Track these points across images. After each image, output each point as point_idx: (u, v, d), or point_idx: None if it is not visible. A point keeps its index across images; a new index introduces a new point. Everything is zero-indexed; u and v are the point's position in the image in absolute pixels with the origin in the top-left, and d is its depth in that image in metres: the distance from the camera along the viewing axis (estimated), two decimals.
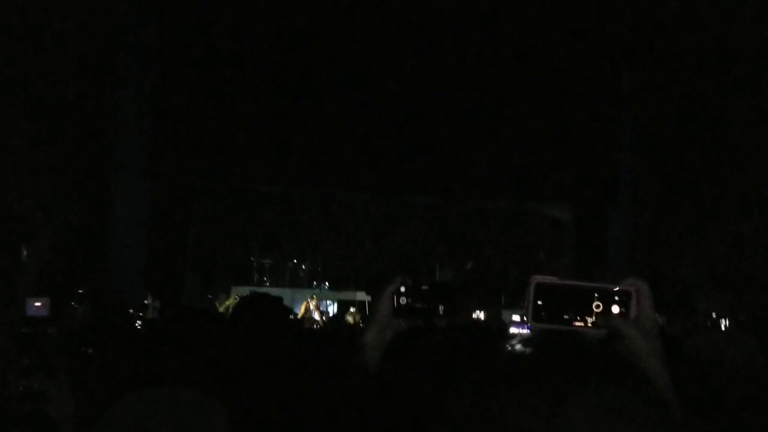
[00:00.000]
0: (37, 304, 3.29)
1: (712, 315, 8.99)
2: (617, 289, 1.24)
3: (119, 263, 9.55)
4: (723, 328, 8.48)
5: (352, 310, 11.76)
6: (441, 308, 1.83)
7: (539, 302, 1.26)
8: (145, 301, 7.65)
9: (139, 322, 7.35)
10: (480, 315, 11.51)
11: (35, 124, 7.37)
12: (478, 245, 13.00)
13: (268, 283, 12.92)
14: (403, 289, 1.80)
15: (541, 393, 0.70)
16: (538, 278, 1.27)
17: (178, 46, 10.91)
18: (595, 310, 1.24)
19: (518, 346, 0.81)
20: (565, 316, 1.25)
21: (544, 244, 12.98)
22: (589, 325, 1.24)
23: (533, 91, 11.49)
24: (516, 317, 10.95)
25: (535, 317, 1.26)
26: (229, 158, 11.08)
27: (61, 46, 8.10)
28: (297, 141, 11.22)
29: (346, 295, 12.38)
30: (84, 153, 8.86)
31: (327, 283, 13.10)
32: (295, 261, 13.30)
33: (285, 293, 12.07)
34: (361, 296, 12.33)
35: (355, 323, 10.86)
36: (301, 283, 13.26)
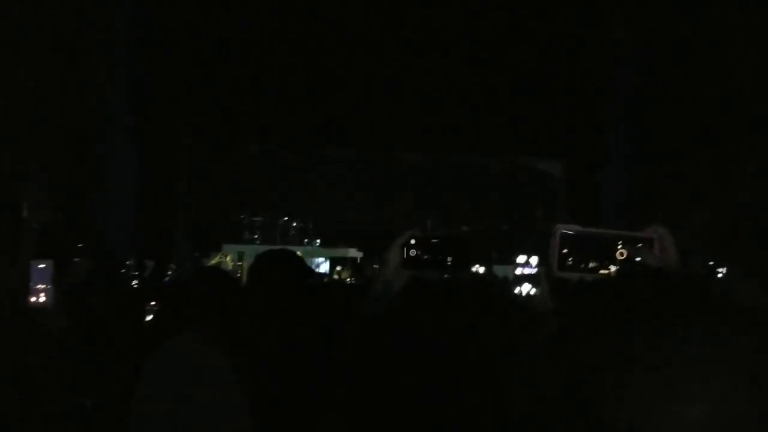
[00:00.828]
0: (41, 266, 3.21)
1: (709, 263, 9.06)
2: (640, 235, 1.25)
3: (109, 222, 9.45)
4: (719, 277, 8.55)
5: (338, 268, 11.79)
6: (449, 260, 1.83)
7: (564, 251, 1.26)
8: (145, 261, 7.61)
9: (135, 282, 7.32)
10: (479, 269, 11.57)
11: (24, 86, 7.20)
12: (470, 201, 12.98)
13: (258, 241, 12.89)
14: (413, 241, 1.80)
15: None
16: (562, 227, 1.27)
17: (163, 4, 10.69)
18: (618, 257, 1.24)
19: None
20: (591, 265, 1.25)
21: (537, 200, 12.98)
22: (614, 272, 1.24)
23: (522, 44, 11.36)
24: (521, 258, 11.05)
25: (560, 266, 1.27)
26: (218, 116, 10.93)
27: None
28: (286, 98, 11.07)
29: (338, 252, 12.38)
30: (72, 114, 8.69)
31: (318, 241, 13.09)
32: (285, 219, 13.26)
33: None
34: (353, 253, 12.34)
35: (342, 280, 10.90)
36: (292, 240, 13.24)
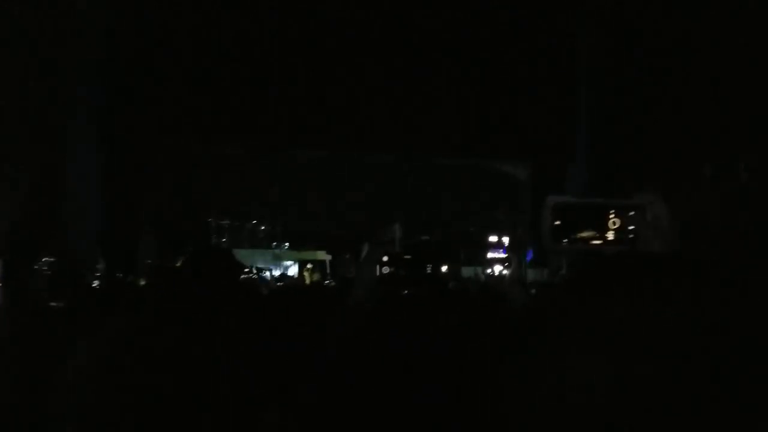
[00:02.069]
0: None
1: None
2: (632, 203, 1.24)
3: (75, 226, 9.36)
4: None
5: (309, 266, 11.78)
6: (420, 273, 1.91)
7: (556, 223, 1.23)
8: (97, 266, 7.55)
9: (96, 282, 7.25)
10: (443, 269, 11.66)
11: None
12: (437, 203, 13.08)
13: (226, 244, 12.82)
14: (385, 258, 1.86)
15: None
16: (554, 199, 1.24)
17: (130, 12, 10.62)
18: (611, 227, 1.23)
19: None
20: (584, 235, 1.23)
21: (502, 202, 13.13)
22: (610, 239, 1.22)
23: (486, 49, 11.50)
24: (493, 238, 11.11)
25: (554, 238, 1.24)
26: (185, 120, 10.88)
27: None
28: (254, 101, 11.06)
29: (307, 255, 12.38)
30: (36, 119, 8.60)
31: (287, 243, 13.07)
32: (254, 222, 13.22)
33: (244, 253, 12.01)
34: (322, 255, 12.34)
35: (313, 282, 10.90)
36: (261, 243, 13.20)
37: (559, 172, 12.23)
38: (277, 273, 11.98)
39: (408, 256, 1.91)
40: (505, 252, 12.77)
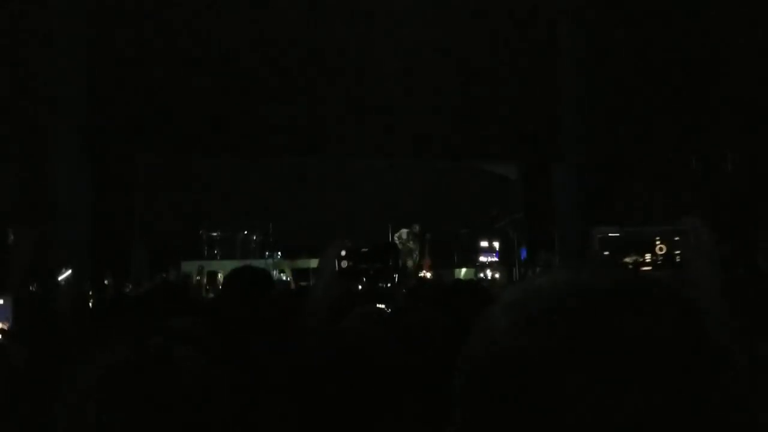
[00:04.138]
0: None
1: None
2: (676, 228, 1.29)
3: (64, 242, 9.26)
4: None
5: (285, 272, 11.75)
6: (379, 267, 1.91)
7: (606, 253, 1.27)
8: (105, 281, 7.46)
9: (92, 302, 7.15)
10: (427, 274, 11.66)
11: None
12: (429, 206, 13.07)
13: (219, 256, 12.73)
14: (344, 252, 1.87)
15: None
16: (600, 230, 1.29)
17: (111, 16, 10.57)
18: (658, 252, 1.27)
19: None
20: (633, 262, 1.27)
21: (494, 202, 13.14)
22: (658, 264, 1.28)
23: (474, 49, 11.54)
24: (484, 243, 11.15)
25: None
26: (171, 131, 10.82)
27: None
28: (240, 110, 11.03)
29: (301, 263, 12.31)
30: (22, 131, 8.53)
31: (279, 253, 12.98)
32: (245, 232, 13.13)
33: (237, 265, 11.93)
34: (316, 263, 12.26)
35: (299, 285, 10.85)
36: (253, 254, 13.10)
37: (550, 172, 12.28)
38: None
39: (365, 249, 1.93)
40: (497, 256, 12.77)
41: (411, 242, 11.70)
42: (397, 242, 11.77)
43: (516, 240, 11.86)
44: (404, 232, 11.77)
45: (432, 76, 11.37)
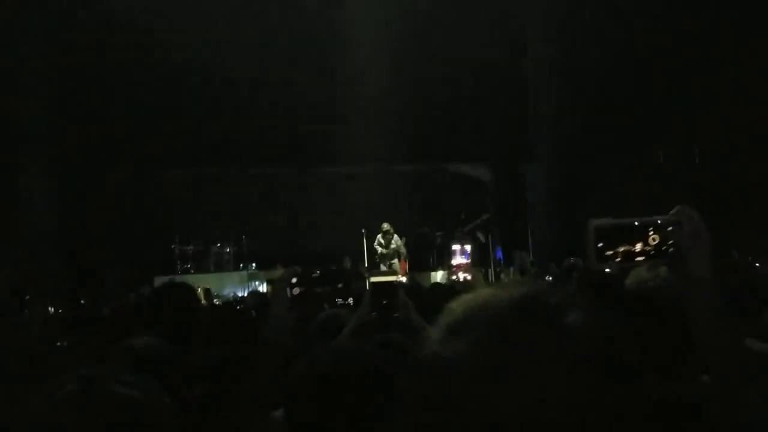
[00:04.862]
0: None
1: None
2: (669, 219, 1.30)
3: (35, 259, 9.10)
4: None
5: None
6: (331, 290, 1.92)
7: (600, 244, 1.29)
8: (81, 300, 7.33)
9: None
10: (402, 279, 11.65)
11: None
12: (404, 211, 13.07)
13: (192, 270, 12.58)
14: (294, 280, 1.87)
15: None
16: (595, 221, 1.30)
17: (77, 34, 10.47)
18: (651, 243, 1.29)
19: None
20: (626, 252, 1.30)
21: (467, 204, 13.22)
22: (652, 254, 1.29)
23: (446, 53, 11.62)
24: (456, 246, 11.20)
25: (599, 258, 1.30)
26: (139, 145, 10.74)
27: None
28: (209, 123, 10.98)
29: (275, 274, 12.22)
30: None
31: (254, 264, 12.86)
32: (218, 245, 12.99)
33: (211, 278, 11.80)
34: None
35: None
36: (227, 266, 12.96)
37: (521, 172, 12.40)
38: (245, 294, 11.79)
39: (316, 274, 1.94)
40: (467, 257, 12.83)
41: (393, 243, 11.67)
42: (381, 251, 11.72)
43: (489, 241, 11.93)
44: (380, 237, 11.75)
45: (404, 85, 11.42)
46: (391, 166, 12.63)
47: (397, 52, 11.37)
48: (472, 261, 12.31)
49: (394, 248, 11.63)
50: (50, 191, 10.12)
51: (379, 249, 11.74)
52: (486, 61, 11.82)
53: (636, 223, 1.31)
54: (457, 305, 0.73)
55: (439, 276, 12.20)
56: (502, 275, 11.23)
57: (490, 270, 11.62)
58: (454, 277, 11.85)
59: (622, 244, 1.30)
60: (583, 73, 11.70)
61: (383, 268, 11.41)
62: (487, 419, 0.64)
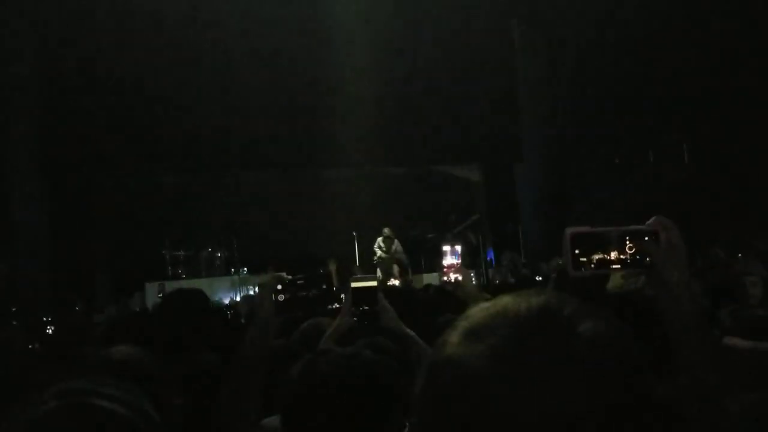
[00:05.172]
0: None
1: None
2: (646, 228, 1.31)
3: (24, 269, 9.07)
4: None
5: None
6: (315, 293, 1.92)
7: (577, 251, 1.30)
8: (76, 307, 7.30)
9: (51, 328, 6.95)
10: (396, 282, 11.64)
11: None
12: (395, 213, 13.07)
13: (183, 276, 12.53)
14: (280, 286, 1.87)
15: None
16: (573, 229, 1.31)
17: (65, 39, 10.46)
18: (629, 252, 1.30)
19: None
20: (603, 260, 1.31)
21: (457, 205, 13.22)
22: (628, 263, 1.30)
23: (435, 56, 11.66)
24: (446, 247, 11.22)
25: (575, 266, 1.31)
26: (128, 151, 10.71)
27: None
28: (194, 127, 10.96)
29: (267, 278, 12.19)
30: None
31: (246, 269, 12.82)
32: (209, 250, 12.94)
33: (202, 283, 11.77)
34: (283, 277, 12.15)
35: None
36: (218, 271, 12.92)
37: (511, 173, 12.42)
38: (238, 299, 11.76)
39: (301, 281, 1.95)
40: (458, 258, 12.82)
41: (394, 247, 11.64)
42: (381, 254, 11.69)
43: (480, 242, 11.94)
44: (380, 240, 11.70)
45: (394, 88, 11.44)
46: (381, 168, 12.63)
47: (386, 53, 11.39)
48: (462, 262, 12.30)
49: (393, 253, 11.62)
50: (40, 198, 10.08)
51: (379, 252, 11.73)
52: (476, 62, 11.86)
53: (612, 232, 1.32)
54: (477, 311, 0.75)
55: (432, 279, 12.19)
56: (493, 275, 11.26)
57: (481, 271, 11.63)
58: (445, 278, 11.83)
59: (597, 252, 1.31)
60: (573, 73, 11.75)
61: (379, 273, 11.41)
62: (503, 424, 0.65)
